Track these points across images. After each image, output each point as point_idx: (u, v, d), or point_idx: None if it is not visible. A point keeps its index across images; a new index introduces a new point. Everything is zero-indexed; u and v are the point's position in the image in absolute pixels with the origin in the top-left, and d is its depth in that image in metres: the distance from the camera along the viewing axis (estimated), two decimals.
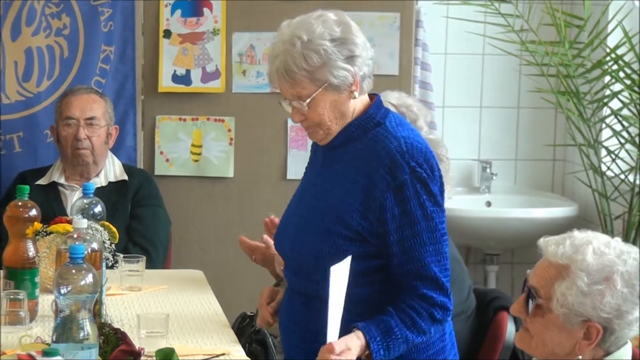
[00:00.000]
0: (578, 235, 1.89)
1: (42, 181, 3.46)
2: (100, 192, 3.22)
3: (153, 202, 3.46)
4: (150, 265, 3.10)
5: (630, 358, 1.86)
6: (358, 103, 2.21)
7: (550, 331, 1.85)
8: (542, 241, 1.91)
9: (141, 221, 3.39)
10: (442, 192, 2.18)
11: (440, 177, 2.19)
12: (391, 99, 3.07)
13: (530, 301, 1.88)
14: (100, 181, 3.45)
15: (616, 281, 1.82)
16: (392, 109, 3.02)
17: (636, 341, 1.87)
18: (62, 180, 3.47)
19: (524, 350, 1.93)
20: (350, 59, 2.15)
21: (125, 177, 3.48)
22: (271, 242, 2.71)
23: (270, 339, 2.72)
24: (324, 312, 2.06)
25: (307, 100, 2.15)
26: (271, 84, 2.24)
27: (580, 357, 1.83)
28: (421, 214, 2.13)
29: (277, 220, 2.72)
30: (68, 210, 3.26)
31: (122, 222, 3.35)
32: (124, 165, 3.55)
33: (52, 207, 3.33)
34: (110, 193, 3.40)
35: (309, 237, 2.20)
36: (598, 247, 1.85)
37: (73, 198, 3.39)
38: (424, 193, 2.14)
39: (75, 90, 3.49)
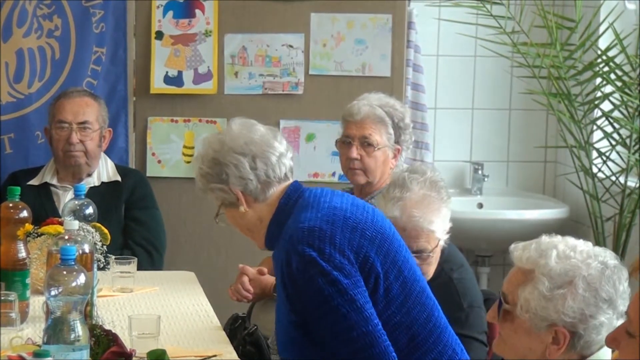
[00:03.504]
0: (545, 239, 1.88)
1: (34, 181, 3.45)
2: (93, 192, 3.22)
3: (151, 204, 3.47)
4: (153, 268, 3.10)
5: (609, 359, 1.87)
6: (266, 207, 2.23)
7: (520, 336, 1.86)
8: (512, 246, 1.91)
9: (142, 224, 3.40)
10: (343, 263, 2.11)
11: (349, 242, 2.12)
12: (373, 100, 3.09)
13: (500, 307, 1.89)
14: (93, 181, 3.45)
15: (578, 285, 1.82)
16: (381, 109, 3.04)
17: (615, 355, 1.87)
18: (54, 181, 3.46)
19: (500, 356, 1.93)
20: (224, 180, 2.21)
21: (119, 178, 3.48)
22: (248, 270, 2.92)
23: (264, 341, 2.72)
24: None
25: (221, 214, 2.27)
26: None
27: None
28: (319, 301, 2.09)
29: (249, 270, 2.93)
30: (60, 210, 3.25)
31: (116, 222, 3.34)
32: (117, 166, 3.55)
33: (44, 207, 3.33)
34: (104, 193, 3.39)
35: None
36: (563, 250, 1.85)
37: (66, 198, 3.39)
38: (317, 275, 2.09)
39: (69, 93, 3.48)
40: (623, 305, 1.84)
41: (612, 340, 1.70)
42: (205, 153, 2.24)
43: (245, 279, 2.97)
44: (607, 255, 1.87)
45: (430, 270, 2.56)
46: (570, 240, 1.89)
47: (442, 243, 2.58)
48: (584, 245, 1.87)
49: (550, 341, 1.83)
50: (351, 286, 2.10)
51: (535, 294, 1.83)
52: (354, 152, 3.03)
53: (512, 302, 1.86)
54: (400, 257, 2.20)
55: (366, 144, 3.04)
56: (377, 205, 2.58)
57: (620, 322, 1.84)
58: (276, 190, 2.22)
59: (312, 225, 2.13)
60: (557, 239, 1.88)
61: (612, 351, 1.88)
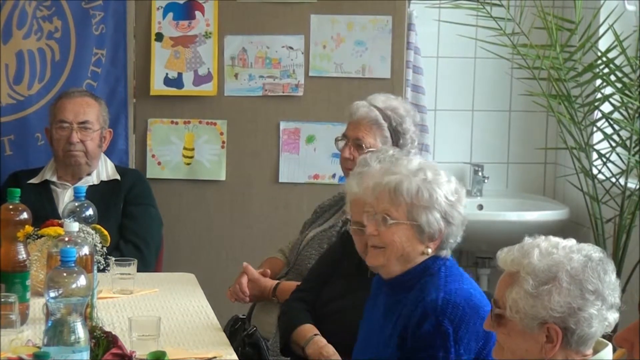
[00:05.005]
0: (528, 240, 1.91)
1: (34, 180, 3.46)
2: (92, 190, 3.23)
3: (146, 201, 3.46)
4: (142, 263, 3.09)
5: (611, 359, 1.86)
6: (428, 254, 2.31)
7: (514, 339, 1.87)
8: (498, 252, 1.95)
9: (134, 219, 3.39)
10: (465, 351, 2.22)
11: (474, 327, 2.22)
12: (377, 102, 3.08)
13: (492, 313, 1.90)
14: (92, 180, 3.45)
15: (562, 279, 1.83)
16: (377, 112, 3.03)
17: (618, 355, 1.87)
18: (54, 179, 3.46)
19: None
20: (447, 221, 2.28)
21: (118, 177, 3.48)
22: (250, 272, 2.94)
23: (263, 342, 2.72)
24: None
25: (391, 222, 2.26)
26: (369, 189, 2.34)
27: None
28: None
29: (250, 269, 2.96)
30: (60, 209, 3.26)
31: (114, 220, 3.35)
32: (116, 166, 3.55)
33: (43, 205, 3.33)
34: (103, 192, 3.40)
35: None
36: (546, 248, 1.87)
37: (65, 196, 3.40)
38: (440, 348, 2.20)
39: (69, 93, 3.49)
40: (612, 296, 1.85)
41: (623, 341, 1.69)
42: (443, 184, 2.29)
43: (244, 280, 2.97)
44: (591, 249, 1.88)
45: None
46: (553, 238, 1.90)
47: None
48: (566, 242, 1.89)
49: (544, 340, 1.84)
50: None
51: (522, 293, 1.84)
52: (347, 152, 3.03)
53: (503, 305, 1.88)
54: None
55: (358, 145, 3.03)
56: (345, 188, 2.63)
57: (611, 313, 1.85)
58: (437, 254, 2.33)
59: (458, 302, 2.24)
60: (540, 238, 1.90)
61: (614, 351, 1.88)
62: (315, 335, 2.61)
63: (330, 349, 2.55)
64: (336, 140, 3.11)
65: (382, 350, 2.28)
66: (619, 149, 3.83)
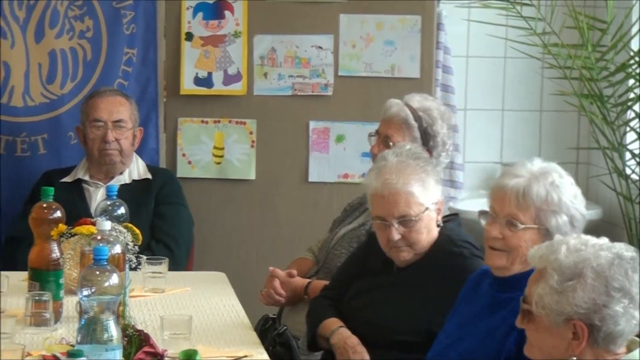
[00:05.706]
0: (558, 237, 1.93)
1: (67, 179, 3.49)
2: (124, 189, 3.24)
3: (176, 201, 3.47)
4: (172, 262, 3.11)
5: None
6: None
7: (542, 335, 1.87)
8: (529, 250, 1.94)
9: (165, 219, 3.41)
10: None
11: None
12: (413, 102, 3.06)
13: (521, 309, 1.90)
14: (124, 179, 3.47)
15: (587, 276, 1.82)
16: (409, 112, 3.02)
17: None
18: (86, 178, 3.49)
19: (531, 358, 1.93)
20: (572, 224, 2.25)
21: (149, 176, 3.50)
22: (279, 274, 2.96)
23: (294, 342, 2.72)
24: None
25: (520, 227, 2.23)
26: (491, 192, 2.31)
27: (574, 358, 1.83)
28: None
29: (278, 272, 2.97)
30: (92, 207, 3.28)
31: (146, 219, 3.36)
32: (147, 165, 3.57)
33: (75, 204, 3.35)
34: (135, 191, 3.41)
35: None
36: (574, 245, 1.87)
37: (97, 195, 3.42)
38: None
39: (101, 92, 3.52)
40: None
41: None
42: (568, 185, 2.29)
43: (277, 282, 2.98)
44: (623, 248, 1.87)
45: (421, 239, 2.55)
46: (584, 236, 1.91)
47: (431, 214, 2.56)
48: (597, 240, 1.89)
49: (570, 337, 1.83)
50: None
51: (547, 289, 1.84)
52: (375, 149, 3.04)
53: (530, 301, 1.88)
54: None
55: (387, 142, 3.02)
56: (365, 184, 2.65)
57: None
58: None
59: None
60: (571, 236, 1.91)
61: None
62: (341, 327, 2.61)
63: (355, 339, 2.55)
64: (369, 135, 3.12)
65: (483, 339, 2.26)
66: None
